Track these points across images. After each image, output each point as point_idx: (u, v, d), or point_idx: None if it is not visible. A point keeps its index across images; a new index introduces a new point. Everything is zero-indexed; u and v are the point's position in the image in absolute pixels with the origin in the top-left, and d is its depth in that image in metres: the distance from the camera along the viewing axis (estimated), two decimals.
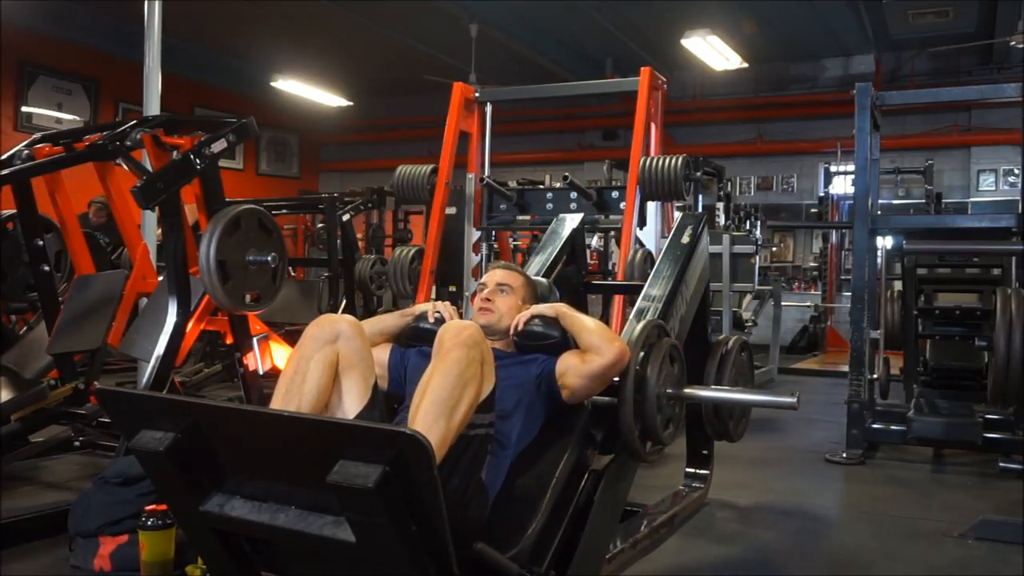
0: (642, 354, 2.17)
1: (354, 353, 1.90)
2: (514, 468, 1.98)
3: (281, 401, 1.82)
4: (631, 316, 2.58)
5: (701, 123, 10.82)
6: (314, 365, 1.84)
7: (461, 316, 2.33)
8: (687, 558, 2.68)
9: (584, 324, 2.15)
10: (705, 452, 3.27)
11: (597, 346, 2.07)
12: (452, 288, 5.16)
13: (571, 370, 2.08)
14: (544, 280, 2.67)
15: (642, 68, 4.47)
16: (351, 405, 1.89)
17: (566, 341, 2.18)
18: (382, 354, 2.18)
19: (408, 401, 1.88)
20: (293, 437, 1.51)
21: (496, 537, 1.80)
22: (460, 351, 1.70)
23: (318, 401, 1.83)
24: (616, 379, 2.11)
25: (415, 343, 2.23)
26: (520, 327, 2.21)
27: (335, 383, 1.89)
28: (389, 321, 2.31)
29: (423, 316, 2.27)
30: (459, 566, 1.52)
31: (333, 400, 1.89)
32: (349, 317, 1.96)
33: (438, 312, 2.25)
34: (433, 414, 1.63)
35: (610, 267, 6.65)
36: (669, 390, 2.24)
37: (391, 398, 2.16)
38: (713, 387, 2.65)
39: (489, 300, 2.27)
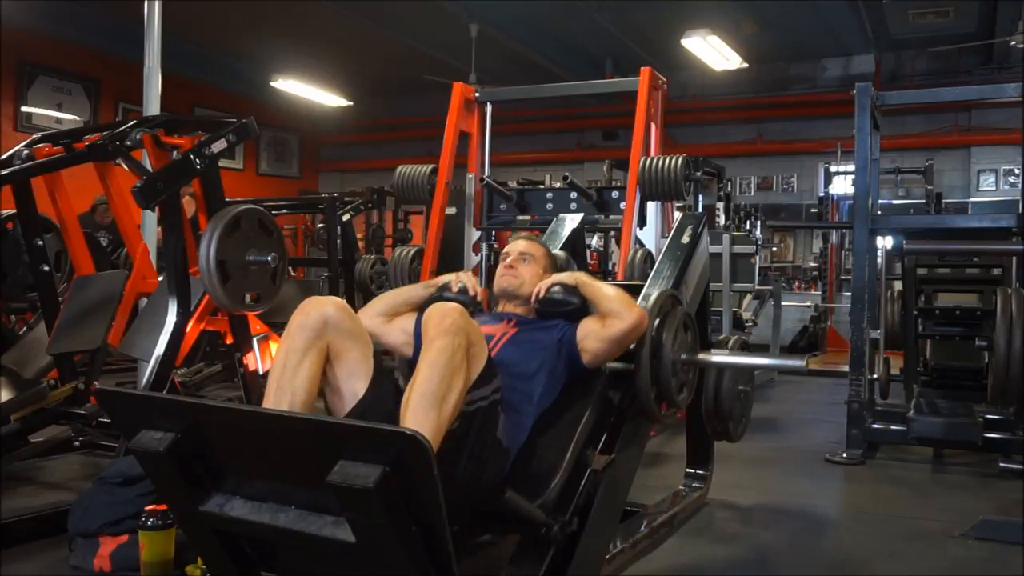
0: (657, 321, 2.27)
1: (346, 336, 1.86)
2: (537, 427, 2.07)
3: (273, 397, 1.79)
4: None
5: (701, 123, 10.82)
6: (304, 358, 1.81)
7: (484, 291, 2.44)
8: (687, 558, 2.68)
9: (604, 291, 2.24)
10: (705, 452, 3.27)
11: (617, 311, 2.16)
12: None
13: (592, 334, 2.17)
14: (562, 253, 2.75)
15: (642, 68, 4.48)
16: (359, 385, 1.86)
17: (585, 308, 2.27)
18: (407, 323, 2.28)
19: None
20: (293, 437, 1.51)
21: (521, 490, 1.89)
22: (444, 339, 1.69)
23: (310, 394, 1.81)
24: (632, 346, 2.20)
25: None
26: (542, 294, 2.30)
27: (336, 368, 1.86)
28: (413, 292, 2.40)
29: (446, 286, 2.35)
30: (484, 520, 1.66)
31: (338, 385, 1.86)
32: (334, 299, 1.90)
33: (461, 282, 2.34)
34: (425, 406, 1.63)
35: (610, 267, 6.66)
36: (683, 356, 2.34)
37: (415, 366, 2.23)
38: (724, 352, 2.70)
39: (512, 267, 2.38)
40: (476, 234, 4.92)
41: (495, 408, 1.86)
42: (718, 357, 2.57)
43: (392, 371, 2.01)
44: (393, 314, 2.34)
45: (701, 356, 2.44)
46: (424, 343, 1.72)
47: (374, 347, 1.93)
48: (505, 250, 2.46)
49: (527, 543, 1.97)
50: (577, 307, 2.27)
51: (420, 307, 2.30)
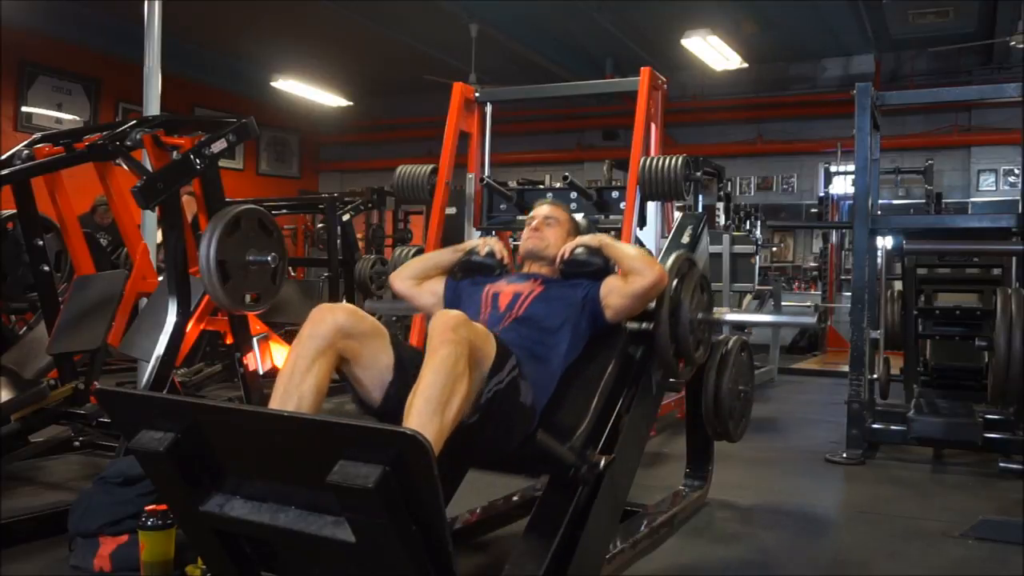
0: (676, 281, 2.40)
1: (362, 337, 1.86)
2: (563, 379, 2.19)
3: (279, 401, 1.79)
4: None
5: (701, 123, 10.83)
6: (313, 366, 1.80)
7: (509, 251, 2.57)
8: (687, 558, 2.68)
9: (626, 250, 2.39)
10: (705, 452, 3.27)
11: (639, 269, 2.28)
12: None
13: (615, 291, 2.30)
14: (584, 220, 2.86)
15: (642, 68, 4.46)
16: (386, 374, 1.89)
17: (607, 268, 2.40)
18: (437, 286, 2.48)
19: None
20: (293, 437, 1.51)
21: (551, 433, 2.04)
22: (447, 348, 1.71)
23: (316, 402, 1.80)
24: (652, 305, 2.35)
25: (468, 275, 2.50)
26: (567, 255, 2.43)
27: (360, 366, 1.87)
28: (442, 257, 2.56)
29: (474, 250, 2.52)
30: (516, 465, 1.98)
31: (366, 380, 1.88)
32: (344, 306, 1.90)
33: (488, 246, 2.50)
34: (427, 412, 1.63)
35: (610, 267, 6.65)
36: (700, 315, 2.48)
37: None
38: (736, 311, 2.82)
39: (538, 230, 2.51)
40: (476, 234, 4.91)
41: (514, 383, 1.92)
42: (732, 315, 2.73)
43: (413, 350, 1.99)
44: (423, 278, 2.51)
45: (716, 315, 2.60)
46: (428, 351, 1.73)
47: (390, 335, 1.94)
48: (530, 215, 2.58)
49: (556, 484, 2.10)
50: (600, 267, 2.39)
51: (448, 271, 2.52)
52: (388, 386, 1.88)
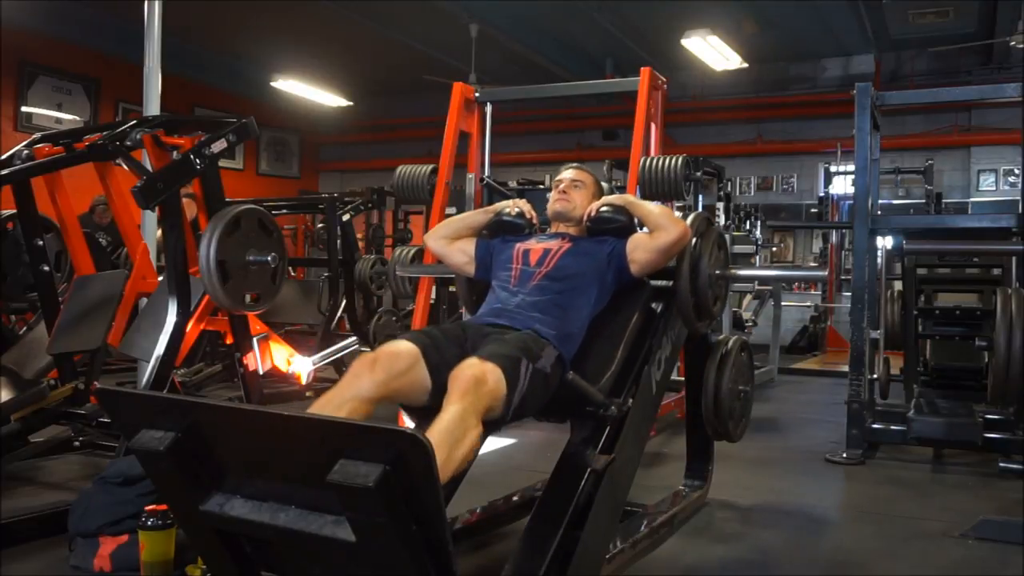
0: (695, 239, 2.53)
1: (399, 377, 1.96)
2: (591, 329, 2.35)
3: (320, 405, 1.88)
4: None
5: (701, 123, 10.82)
6: (356, 401, 1.89)
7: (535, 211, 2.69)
8: (687, 558, 2.68)
9: (650, 208, 2.52)
10: (705, 452, 3.27)
11: (664, 225, 2.42)
12: (452, 288, 5.15)
13: (641, 246, 2.45)
14: (607, 184, 2.94)
15: (642, 68, 4.48)
16: (426, 383, 2.01)
17: (632, 225, 2.55)
18: (468, 246, 2.63)
19: (501, 280, 2.43)
20: (293, 437, 1.52)
21: (582, 376, 2.20)
22: (462, 404, 1.79)
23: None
24: (673, 263, 2.49)
25: (498, 234, 2.64)
26: (594, 213, 2.57)
27: (401, 396, 2.01)
28: (474, 218, 2.70)
29: (503, 212, 2.65)
30: (548, 409, 2.14)
31: (409, 397, 2.02)
32: (384, 356, 1.97)
33: (518, 207, 2.64)
34: (441, 444, 1.68)
35: None
36: (717, 271, 2.63)
37: (476, 285, 2.70)
38: (753, 267, 2.92)
39: (565, 192, 2.62)
40: None
41: (534, 373, 2.03)
42: (746, 271, 2.89)
43: (437, 341, 2.11)
44: (456, 237, 2.65)
45: (731, 271, 2.75)
46: (448, 400, 1.82)
47: (420, 345, 2.04)
48: (557, 178, 2.69)
49: (585, 423, 2.23)
50: (625, 224, 2.54)
51: (479, 231, 2.67)
52: (431, 392, 2.01)
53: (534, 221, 2.65)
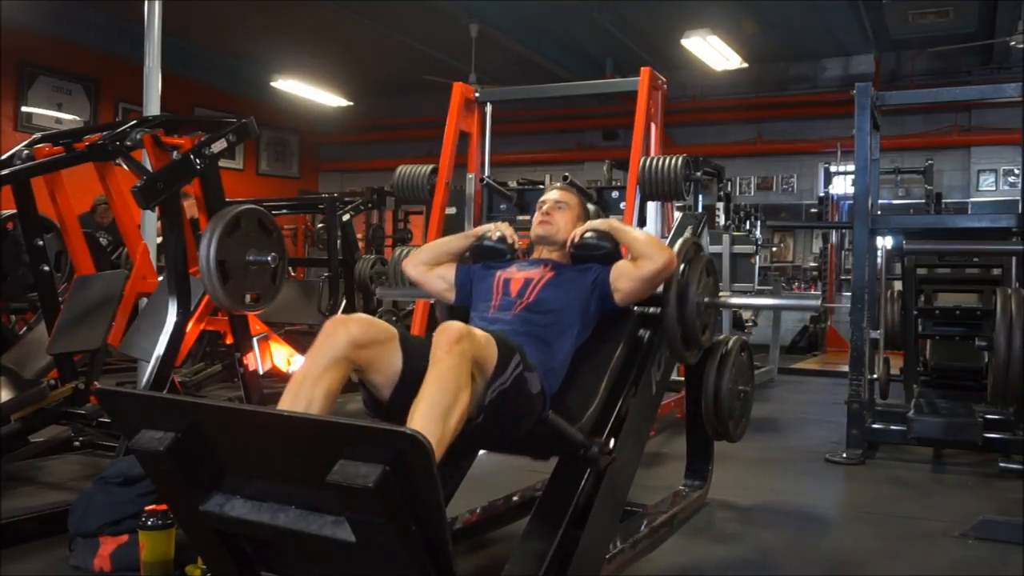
0: (683, 266, 2.46)
1: (374, 345, 1.88)
2: (575, 360, 2.26)
3: (288, 403, 1.79)
4: None
5: (701, 123, 10.82)
6: (325, 374, 1.82)
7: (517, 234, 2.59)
8: (687, 558, 2.68)
9: (635, 235, 2.44)
10: (705, 452, 3.27)
11: (649, 253, 2.33)
12: None
13: (625, 275, 2.35)
14: (593, 205, 2.86)
15: (642, 68, 4.47)
16: (396, 372, 1.91)
17: (617, 252, 2.45)
18: (448, 272, 2.53)
19: (478, 308, 2.32)
20: (293, 437, 1.51)
21: (563, 414, 2.10)
22: (450, 359, 1.74)
23: (326, 405, 1.82)
24: (660, 289, 2.40)
25: (479, 260, 2.55)
26: (577, 239, 2.47)
27: (375, 370, 1.90)
28: (454, 243, 2.60)
29: (485, 236, 2.56)
30: (528, 446, 2.04)
31: (378, 381, 1.91)
32: (357, 318, 1.91)
33: (499, 231, 2.54)
34: (432, 417, 1.66)
35: None
36: (706, 298, 2.54)
37: (457, 311, 2.50)
38: (742, 295, 2.84)
39: (548, 214, 2.53)
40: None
41: (520, 379, 1.94)
42: (736, 299, 2.79)
43: (417, 344, 2.00)
44: (435, 263, 2.56)
45: (721, 298, 2.65)
46: (431, 362, 1.76)
47: (399, 333, 1.96)
48: (541, 199, 2.59)
49: (566, 464, 2.15)
50: (610, 251, 2.44)
51: (459, 256, 2.57)
52: (396, 384, 1.91)
53: (516, 246, 2.56)
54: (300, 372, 1.84)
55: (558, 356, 2.21)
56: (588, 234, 2.47)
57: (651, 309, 2.47)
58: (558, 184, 2.70)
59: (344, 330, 1.86)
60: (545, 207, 2.55)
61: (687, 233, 2.88)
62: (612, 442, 2.21)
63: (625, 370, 2.37)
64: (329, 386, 1.81)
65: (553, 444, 2.13)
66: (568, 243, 2.49)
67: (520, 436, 2.02)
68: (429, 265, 2.57)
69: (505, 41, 9.06)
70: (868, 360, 4.14)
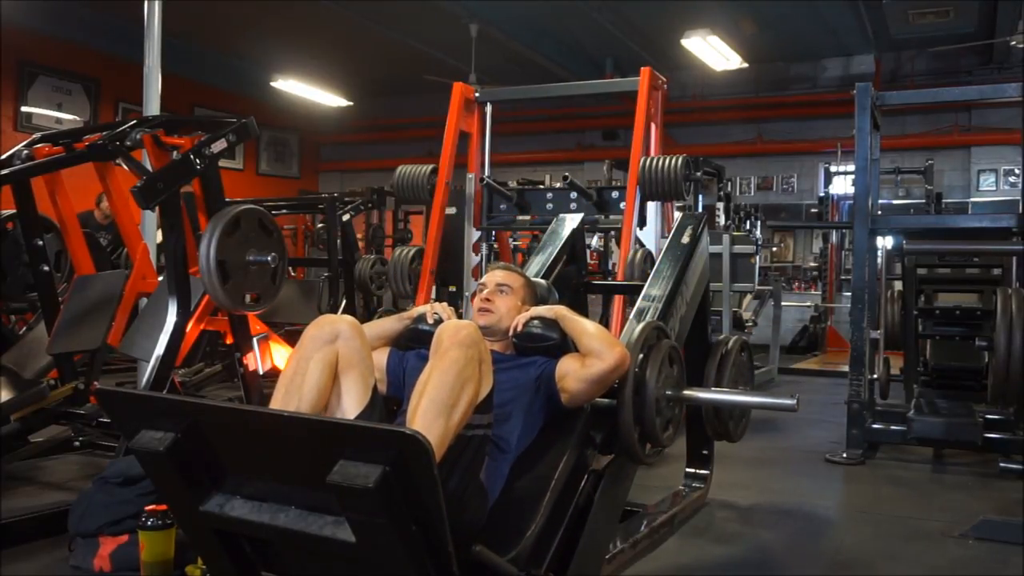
0: (641, 356, 2.16)
1: (354, 353, 1.88)
2: (514, 470, 1.98)
3: (280, 401, 1.81)
4: (631, 316, 2.58)
5: (701, 123, 10.82)
6: (314, 365, 1.83)
7: (460, 317, 2.32)
8: (687, 558, 2.68)
9: (584, 328, 2.15)
10: (705, 452, 3.27)
11: (598, 350, 2.06)
12: (452, 288, 5.15)
13: (571, 374, 2.08)
14: (543, 281, 2.66)
15: (642, 68, 4.47)
16: (351, 406, 1.86)
17: (565, 343, 2.17)
18: (380, 357, 2.17)
19: (406, 405, 1.83)
20: (293, 437, 1.51)
21: (496, 538, 1.80)
22: (458, 350, 1.69)
23: (318, 401, 1.82)
24: (616, 383, 2.11)
25: (414, 345, 2.23)
26: (519, 328, 2.21)
27: (335, 384, 1.86)
28: (387, 325, 2.30)
29: (421, 318, 2.25)
30: (457, 568, 1.52)
31: (333, 401, 1.87)
32: (348, 317, 1.94)
33: (436, 314, 2.23)
34: (432, 413, 1.63)
35: (610, 267, 6.65)
36: (668, 392, 2.24)
37: (389, 401, 2.15)
38: (712, 389, 2.65)
39: (489, 300, 2.27)
40: (476, 234, 4.91)
41: (484, 445, 1.81)
42: (705, 394, 2.49)
43: (383, 399, 1.99)
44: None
45: (687, 392, 2.32)
46: (437, 354, 1.72)
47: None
48: (481, 281, 2.37)
49: None
50: (556, 342, 2.17)
51: (394, 340, 2.26)
52: (356, 417, 1.85)
53: None
54: (289, 367, 1.84)
55: (496, 466, 1.94)
56: (534, 323, 2.20)
57: (609, 401, 2.14)
58: (499, 264, 2.46)
59: (330, 324, 1.87)
60: (485, 291, 2.29)
61: (687, 234, 2.87)
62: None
63: (572, 481, 2.05)
64: (319, 379, 1.81)
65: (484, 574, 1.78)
66: (511, 331, 2.23)
67: (458, 539, 1.59)
68: None
69: (505, 41, 9.06)
70: (868, 360, 4.14)
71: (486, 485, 1.86)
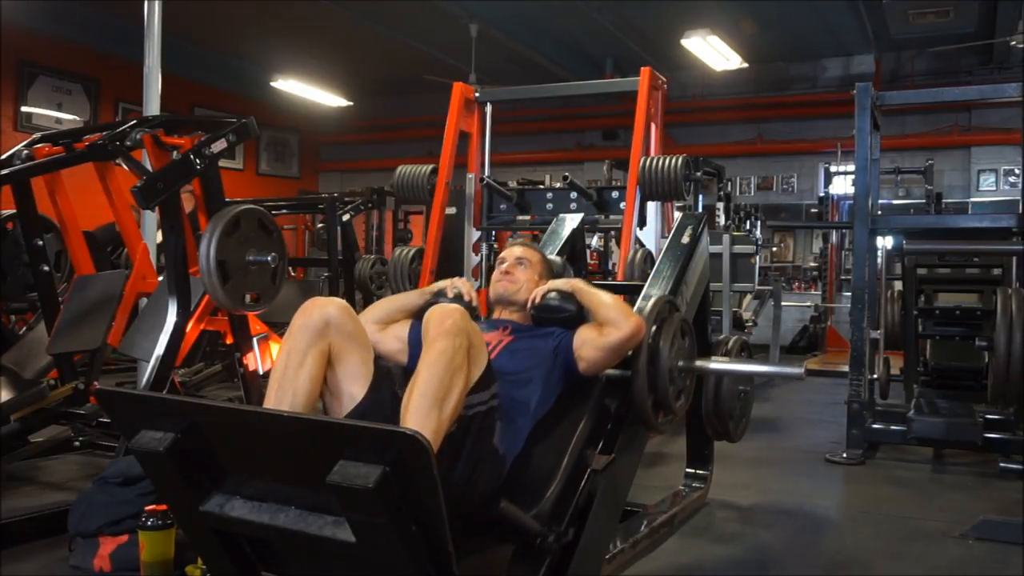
0: (654, 328, 2.25)
1: (347, 338, 1.85)
2: (533, 435, 2.06)
3: (274, 398, 1.79)
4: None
5: (701, 123, 10.82)
6: (306, 358, 1.80)
7: (479, 291, 2.38)
8: (687, 558, 2.68)
9: (600, 299, 2.23)
10: (705, 452, 3.27)
11: (614, 320, 2.15)
12: None
13: (588, 343, 2.16)
14: (559, 259, 2.73)
15: (642, 68, 4.48)
16: (357, 389, 1.85)
17: (581, 315, 2.25)
18: (402, 330, 2.26)
19: None
20: (293, 437, 1.51)
21: (517, 499, 1.88)
22: (445, 340, 1.69)
23: (311, 395, 1.80)
24: (630, 352, 2.19)
25: None
26: (538, 300, 2.30)
27: (335, 370, 1.85)
28: (409, 299, 2.37)
29: (442, 292, 2.32)
30: (478, 530, 1.74)
31: (336, 389, 1.85)
32: (337, 300, 1.90)
33: (456, 288, 2.31)
34: (425, 407, 1.63)
35: (610, 267, 6.66)
36: (680, 363, 2.33)
37: (410, 373, 2.17)
38: (721, 359, 2.69)
39: (508, 272, 2.37)
40: (476, 234, 4.92)
41: (492, 414, 1.86)
42: (716, 364, 2.57)
43: (391, 374, 2.00)
44: (388, 321, 2.31)
45: (698, 362, 2.43)
46: (425, 344, 1.72)
47: (374, 351, 1.92)
48: (501, 255, 2.46)
49: (521, 553, 1.93)
50: (573, 314, 2.25)
51: (415, 314, 2.28)
52: (356, 405, 1.83)
53: (475, 303, 2.33)
54: (281, 360, 1.81)
55: (515, 429, 2.01)
56: (551, 295, 2.29)
57: (623, 372, 2.24)
58: (519, 240, 2.51)
59: (319, 310, 1.84)
60: (505, 264, 2.39)
61: (687, 234, 2.87)
62: (572, 532, 1.99)
63: (590, 445, 2.14)
64: (311, 372, 1.79)
65: (507, 531, 1.91)
66: (528, 303, 2.32)
67: (475, 501, 1.81)
68: (382, 324, 2.30)
69: (505, 41, 9.06)
70: (868, 360, 4.14)
71: (502, 448, 1.91)
